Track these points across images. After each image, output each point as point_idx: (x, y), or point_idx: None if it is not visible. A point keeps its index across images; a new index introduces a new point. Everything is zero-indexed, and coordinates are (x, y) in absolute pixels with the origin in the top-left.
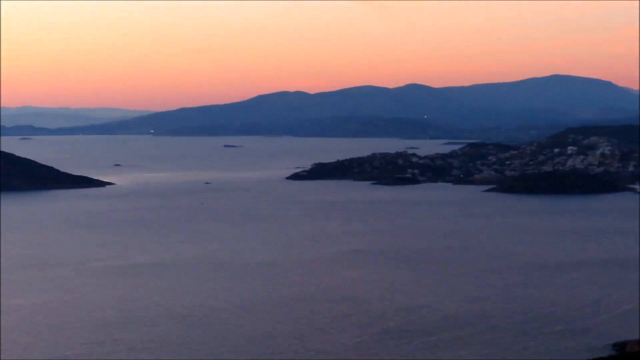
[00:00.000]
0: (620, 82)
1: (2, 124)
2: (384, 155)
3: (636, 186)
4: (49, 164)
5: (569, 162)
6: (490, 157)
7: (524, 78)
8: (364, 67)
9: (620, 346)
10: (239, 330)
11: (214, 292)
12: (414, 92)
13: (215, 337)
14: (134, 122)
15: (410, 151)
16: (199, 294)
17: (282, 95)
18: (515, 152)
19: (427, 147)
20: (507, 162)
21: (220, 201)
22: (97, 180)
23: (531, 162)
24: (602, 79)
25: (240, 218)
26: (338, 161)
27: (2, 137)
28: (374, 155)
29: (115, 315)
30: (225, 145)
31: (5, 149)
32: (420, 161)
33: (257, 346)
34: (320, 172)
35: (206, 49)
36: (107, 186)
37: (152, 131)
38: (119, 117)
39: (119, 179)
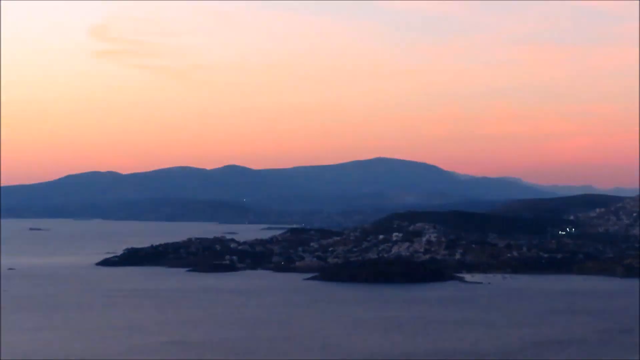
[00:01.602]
0: (446, 166)
1: None
2: (201, 241)
3: (463, 274)
4: None
5: (394, 249)
6: (312, 244)
7: (347, 160)
8: (180, 146)
9: None
10: None
11: None
12: (233, 174)
13: None
14: None
15: (228, 236)
16: None
17: (93, 176)
18: (339, 238)
19: (247, 232)
20: (329, 249)
21: (26, 289)
22: None
23: (355, 249)
24: (426, 162)
25: (47, 307)
26: (152, 246)
27: None
28: (190, 240)
29: None
30: (31, 229)
31: None
32: (239, 247)
33: None
34: (132, 258)
35: (9, 124)
36: None
37: None
38: None
39: None
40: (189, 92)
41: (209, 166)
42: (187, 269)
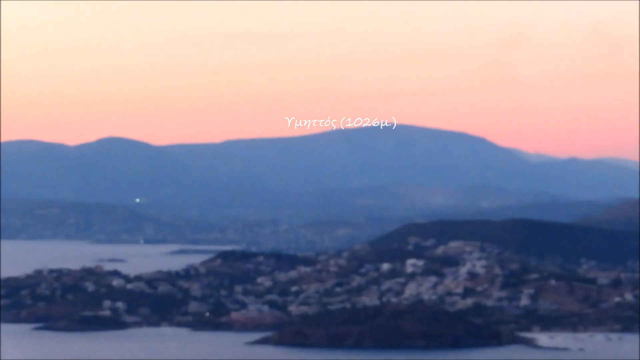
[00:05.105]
0: (504, 140)
1: None
2: (59, 275)
3: (535, 334)
4: None
5: (410, 289)
6: (260, 279)
7: (323, 131)
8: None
9: None
10: None
11: None
12: (114, 153)
13: None
14: None
15: (109, 266)
16: None
17: None
18: (309, 269)
19: (142, 259)
20: (292, 289)
21: None
22: None
23: (338, 289)
24: (468, 132)
25: None
26: None
27: None
28: (39, 273)
29: None
30: None
31: None
32: (129, 286)
33: None
34: None
35: None
36: None
37: None
38: None
39: None
40: None
41: (71, 141)
42: (34, 325)
